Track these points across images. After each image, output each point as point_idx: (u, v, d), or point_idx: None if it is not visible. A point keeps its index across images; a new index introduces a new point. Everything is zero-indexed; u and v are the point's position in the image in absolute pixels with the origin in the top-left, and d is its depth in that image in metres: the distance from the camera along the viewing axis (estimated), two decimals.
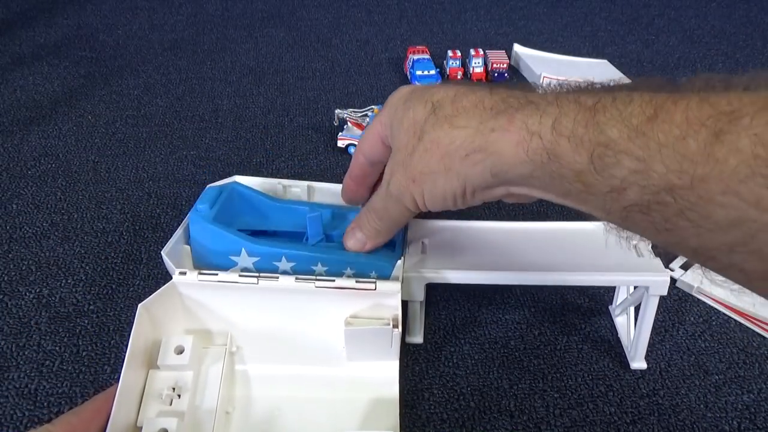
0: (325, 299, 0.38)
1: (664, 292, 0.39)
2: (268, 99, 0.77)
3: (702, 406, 0.41)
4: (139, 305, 0.36)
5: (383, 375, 0.39)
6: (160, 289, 0.37)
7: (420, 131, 0.33)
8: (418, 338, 0.45)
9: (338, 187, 0.46)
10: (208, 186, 0.45)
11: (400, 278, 0.39)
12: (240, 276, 0.38)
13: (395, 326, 0.37)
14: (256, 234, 0.44)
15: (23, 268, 0.50)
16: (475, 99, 0.32)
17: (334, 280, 0.38)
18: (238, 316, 0.39)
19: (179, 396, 0.35)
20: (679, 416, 0.40)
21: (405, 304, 0.41)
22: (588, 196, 0.27)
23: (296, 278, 0.38)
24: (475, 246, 0.43)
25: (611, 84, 0.30)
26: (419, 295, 0.41)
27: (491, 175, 0.31)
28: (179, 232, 0.42)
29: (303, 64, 0.86)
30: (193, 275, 0.38)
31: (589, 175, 0.26)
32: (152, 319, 0.37)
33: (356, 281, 0.37)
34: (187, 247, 0.42)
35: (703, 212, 0.23)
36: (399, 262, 0.40)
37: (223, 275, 0.38)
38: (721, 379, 0.43)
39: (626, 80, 0.82)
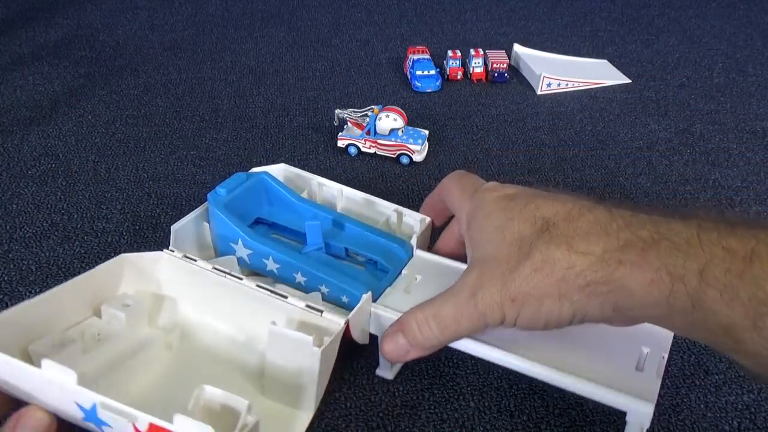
0: (282, 312, 0.38)
1: (646, 425, 0.33)
2: (268, 99, 0.77)
3: (702, 406, 0.41)
4: (122, 254, 0.38)
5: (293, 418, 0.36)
6: (148, 252, 0.39)
7: (528, 248, 0.30)
8: (387, 373, 0.41)
9: (364, 195, 0.48)
10: (237, 172, 0.47)
11: (358, 310, 0.37)
12: (213, 269, 0.39)
13: (318, 346, 0.34)
14: (273, 227, 0.45)
15: (23, 268, 0.50)
16: (593, 220, 0.29)
17: (287, 297, 0.38)
18: (204, 305, 0.40)
19: (98, 340, 0.35)
20: (679, 416, 0.40)
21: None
22: (736, 353, 0.25)
23: (257, 285, 0.38)
24: None
25: (748, 220, 0.27)
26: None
27: (612, 309, 0.28)
28: (196, 212, 0.44)
29: (303, 64, 0.86)
30: (179, 254, 0.40)
31: (744, 332, 0.24)
32: (122, 272, 0.39)
33: (306, 305, 0.38)
34: (201, 226, 0.45)
35: None
36: (366, 295, 0.38)
37: (201, 263, 0.40)
38: (721, 379, 0.43)
39: (626, 80, 0.82)
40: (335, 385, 0.41)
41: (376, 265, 0.43)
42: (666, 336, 0.37)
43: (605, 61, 0.88)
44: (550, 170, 0.64)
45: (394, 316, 0.38)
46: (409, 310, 0.36)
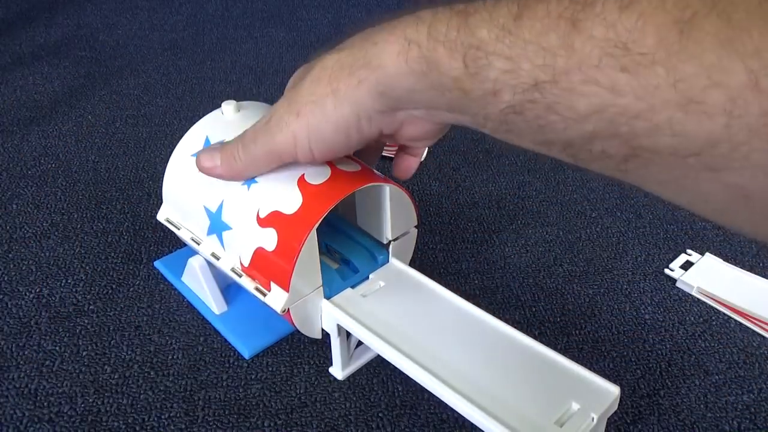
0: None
1: None
2: (268, 99, 0.77)
3: (702, 406, 0.41)
4: None
5: None
6: None
7: (310, 66, 0.32)
8: (337, 372, 0.42)
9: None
10: None
11: (302, 300, 0.38)
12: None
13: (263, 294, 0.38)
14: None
15: (23, 268, 0.50)
16: (370, 29, 0.31)
17: (241, 276, 0.39)
18: None
19: None
20: (679, 416, 0.40)
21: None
22: (468, 103, 0.27)
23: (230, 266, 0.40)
24: (419, 315, 0.39)
25: None
26: (332, 329, 0.40)
27: (379, 94, 0.30)
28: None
29: (303, 64, 0.86)
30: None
31: (466, 80, 0.26)
32: None
33: (256, 288, 0.39)
34: None
35: (568, 104, 0.23)
36: (316, 288, 0.39)
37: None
38: (721, 379, 0.43)
39: None
40: (335, 386, 0.42)
41: (349, 265, 0.43)
42: (606, 396, 0.34)
43: None
44: (550, 170, 0.64)
45: (340, 315, 0.39)
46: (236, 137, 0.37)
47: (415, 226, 0.45)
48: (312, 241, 0.37)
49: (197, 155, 0.39)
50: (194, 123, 0.43)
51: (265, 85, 0.80)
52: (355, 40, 0.31)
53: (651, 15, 0.21)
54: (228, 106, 0.42)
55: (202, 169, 0.38)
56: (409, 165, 0.41)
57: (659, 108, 0.21)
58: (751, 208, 0.22)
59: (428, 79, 0.27)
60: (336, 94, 0.30)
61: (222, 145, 0.38)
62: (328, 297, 0.40)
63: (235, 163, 0.36)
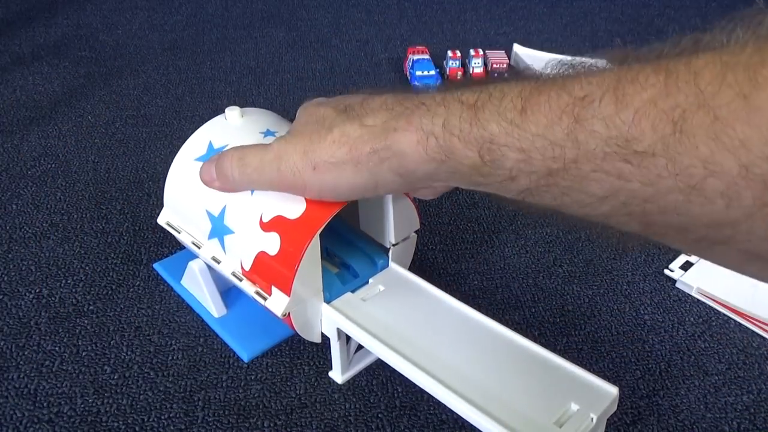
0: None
1: None
2: (268, 99, 0.77)
3: (702, 406, 0.41)
4: None
5: None
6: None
7: (330, 125, 0.34)
8: (336, 376, 0.42)
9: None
10: None
11: (301, 304, 0.39)
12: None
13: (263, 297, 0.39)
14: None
15: (23, 268, 0.50)
16: (381, 101, 0.34)
17: (242, 280, 0.40)
18: None
19: None
20: (679, 417, 0.40)
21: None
22: (488, 186, 0.29)
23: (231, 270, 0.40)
24: (419, 319, 0.39)
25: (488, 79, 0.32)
26: (332, 333, 0.40)
27: (399, 175, 0.32)
28: None
29: (303, 64, 0.86)
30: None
31: (483, 167, 0.28)
32: None
33: (256, 292, 0.39)
34: None
35: (580, 188, 0.26)
36: (318, 293, 0.39)
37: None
38: (720, 380, 0.43)
39: None
40: (334, 387, 0.42)
41: (349, 269, 0.43)
42: (605, 397, 0.34)
43: (605, 61, 0.88)
44: None
45: (340, 319, 0.39)
46: (231, 148, 0.39)
47: (416, 231, 0.45)
48: (315, 246, 0.37)
49: (201, 168, 0.40)
50: (194, 123, 0.44)
51: (264, 85, 0.80)
52: (377, 117, 0.33)
53: (645, 112, 0.22)
54: (232, 112, 0.42)
55: (203, 181, 0.40)
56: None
57: (664, 193, 0.23)
58: (766, 265, 0.24)
59: (447, 165, 0.30)
60: (357, 165, 0.33)
61: (218, 157, 0.39)
62: (328, 301, 0.40)
63: (230, 185, 0.38)
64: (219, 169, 0.38)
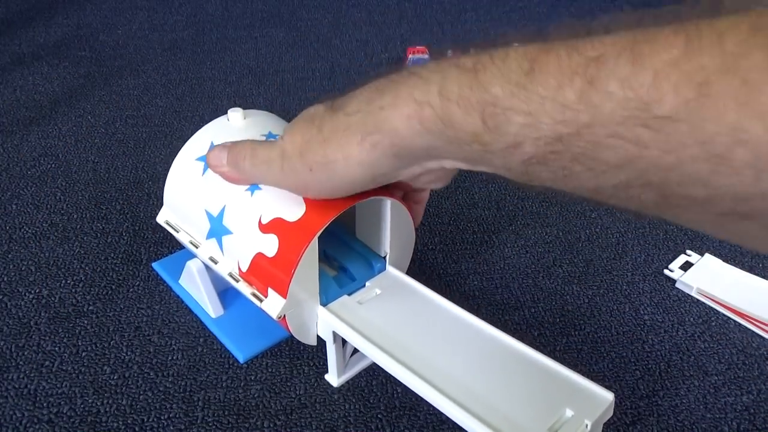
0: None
1: None
2: (268, 99, 0.77)
3: (701, 407, 0.41)
4: None
5: None
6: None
7: (320, 124, 0.33)
8: (332, 378, 0.42)
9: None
10: None
11: (297, 306, 0.38)
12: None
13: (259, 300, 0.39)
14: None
15: (23, 268, 0.50)
16: (366, 87, 0.32)
17: (239, 281, 0.39)
18: None
19: None
20: (679, 417, 0.40)
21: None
22: (489, 156, 0.27)
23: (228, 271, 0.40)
24: (415, 323, 0.39)
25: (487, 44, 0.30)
26: (328, 336, 0.40)
27: (394, 155, 0.30)
28: None
29: (303, 64, 0.86)
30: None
31: (484, 134, 0.26)
32: None
33: (252, 293, 0.39)
34: None
35: (594, 155, 0.24)
36: (314, 296, 0.39)
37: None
38: (720, 380, 0.43)
39: None
40: (334, 388, 0.42)
41: (346, 272, 0.43)
42: (600, 403, 0.33)
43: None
44: None
45: (335, 322, 0.39)
46: (245, 140, 0.38)
47: (414, 232, 0.45)
48: (313, 249, 0.37)
49: (212, 149, 0.39)
50: (194, 123, 0.44)
51: (264, 85, 0.80)
52: (361, 101, 0.31)
53: (666, 74, 0.21)
54: (235, 114, 0.42)
55: (209, 164, 0.39)
56: (417, 213, 0.43)
57: (688, 162, 0.21)
58: None
59: (445, 135, 0.28)
60: (347, 161, 0.32)
61: (232, 145, 0.38)
62: (324, 304, 0.40)
63: (237, 174, 0.38)
64: (232, 157, 0.38)
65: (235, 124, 0.43)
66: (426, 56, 0.82)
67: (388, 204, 0.40)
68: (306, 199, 0.37)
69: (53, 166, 0.63)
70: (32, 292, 0.48)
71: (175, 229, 0.44)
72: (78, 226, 0.55)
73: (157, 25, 0.97)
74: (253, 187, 0.39)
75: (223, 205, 0.40)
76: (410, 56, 0.83)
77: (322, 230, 0.36)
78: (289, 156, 0.34)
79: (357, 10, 1.06)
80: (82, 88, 0.78)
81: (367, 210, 0.43)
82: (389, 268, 0.43)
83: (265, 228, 0.38)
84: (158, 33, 0.95)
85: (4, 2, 1.03)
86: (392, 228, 0.42)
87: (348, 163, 0.32)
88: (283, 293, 0.37)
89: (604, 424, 0.34)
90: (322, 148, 0.32)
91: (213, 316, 0.46)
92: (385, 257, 0.43)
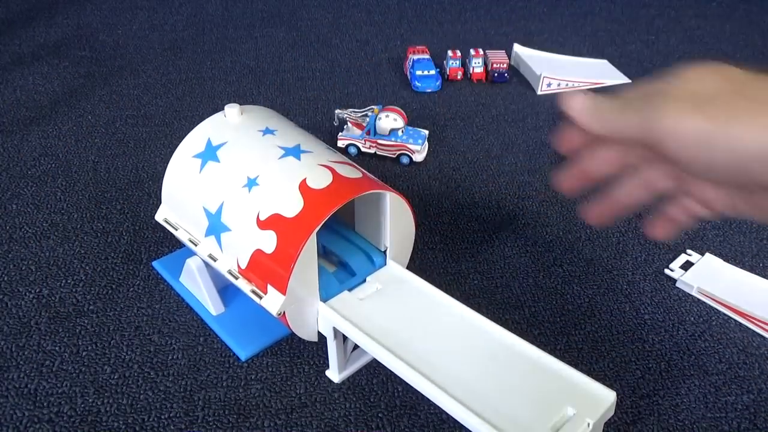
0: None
1: None
2: (268, 99, 0.77)
3: (702, 406, 0.41)
4: None
5: None
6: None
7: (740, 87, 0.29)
8: (333, 374, 0.42)
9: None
10: None
11: (297, 303, 0.38)
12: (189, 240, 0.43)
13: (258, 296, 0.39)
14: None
15: (23, 268, 0.50)
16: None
17: (238, 278, 0.39)
18: None
19: None
20: (679, 416, 0.40)
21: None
22: None
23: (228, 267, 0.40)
24: (416, 319, 0.39)
25: None
26: (328, 332, 0.40)
27: None
28: None
29: (303, 64, 0.86)
30: None
31: None
32: None
33: (252, 290, 0.39)
34: None
35: None
36: (315, 292, 0.39)
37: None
38: (720, 380, 0.43)
39: (626, 80, 0.82)
40: (334, 386, 0.42)
41: (346, 267, 0.43)
42: (602, 402, 0.33)
43: (605, 61, 0.88)
44: (549, 170, 0.64)
45: (336, 318, 0.39)
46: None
47: (414, 230, 0.45)
48: (311, 244, 0.37)
49: (568, 98, 0.33)
50: (194, 123, 0.43)
51: (265, 85, 0.80)
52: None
53: None
54: (231, 110, 0.42)
55: (572, 108, 0.33)
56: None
57: None
58: None
59: None
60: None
61: (584, 95, 0.33)
62: (324, 300, 0.40)
63: (593, 116, 0.32)
64: (591, 104, 0.33)
65: (231, 120, 0.43)
66: (426, 56, 0.82)
67: (388, 197, 0.41)
68: (304, 195, 0.37)
69: (53, 165, 0.63)
70: (32, 291, 0.48)
71: (173, 227, 0.44)
72: (78, 226, 0.55)
73: (157, 25, 0.97)
74: (251, 183, 0.39)
75: (221, 201, 0.40)
76: (410, 56, 0.83)
77: (320, 225, 0.36)
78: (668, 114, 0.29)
79: (357, 10, 1.06)
80: (82, 87, 0.78)
81: (366, 204, 0.43)
82: (390, 263, 0.43)
83: (263, 224, 0.37)
84: (158, 33, 0.95)
85: (4, 2, 1.03)
86: (392, 221, 0.42)
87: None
88: (283, 290, 0.37)
89: (605, 422, 0.34)
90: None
91: (214, 313, 0.46)
92: (385, 251, 0.43)
